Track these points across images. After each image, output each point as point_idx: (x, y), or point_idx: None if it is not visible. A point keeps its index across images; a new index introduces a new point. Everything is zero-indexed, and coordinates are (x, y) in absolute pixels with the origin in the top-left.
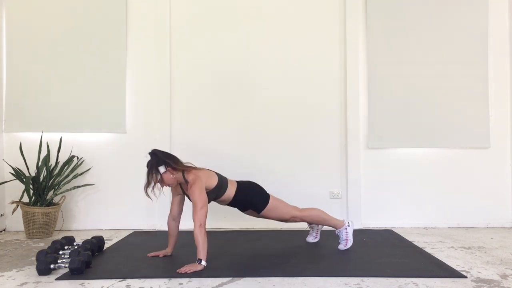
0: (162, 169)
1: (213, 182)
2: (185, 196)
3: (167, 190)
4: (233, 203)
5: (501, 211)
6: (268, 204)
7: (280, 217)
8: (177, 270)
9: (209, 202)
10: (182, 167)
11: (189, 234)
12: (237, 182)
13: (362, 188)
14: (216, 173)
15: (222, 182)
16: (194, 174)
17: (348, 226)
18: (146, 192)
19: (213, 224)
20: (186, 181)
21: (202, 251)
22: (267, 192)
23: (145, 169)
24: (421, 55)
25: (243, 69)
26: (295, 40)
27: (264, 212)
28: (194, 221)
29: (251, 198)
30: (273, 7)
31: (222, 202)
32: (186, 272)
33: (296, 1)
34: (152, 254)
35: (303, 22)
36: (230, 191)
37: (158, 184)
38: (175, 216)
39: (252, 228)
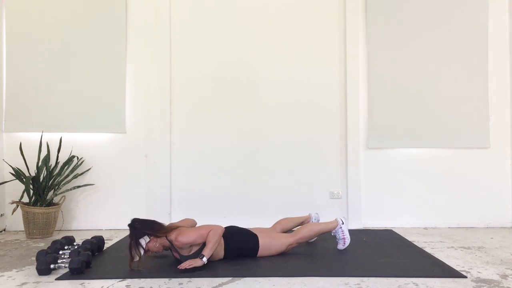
0: (145, 240)
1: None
2: (177, 254)
3: (166, 189)
4: (226, 256)
5: (501, 211)
6: (260, 248)
7: (276, 252)
8: (178, 267)
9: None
10: (164, 232)
11: None
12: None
13: (362, 188)
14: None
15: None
16: (176, 231)
17: (342, 224)
18: (131, 267)
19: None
20: (171, 243)
21: (209, 249)
22: (254, 232)
23: (145, 169)
24: (421, 55)
25: (243, 69)
26: (295, 40)
27: (260, 254)
28: (212, 229)
29: (241, 246)
30: (273, 7)
31: (215, 257)
32: (186, 268)
33: (296, 2)
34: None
35: (303, 22)
36: (219, 247)
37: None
38: None
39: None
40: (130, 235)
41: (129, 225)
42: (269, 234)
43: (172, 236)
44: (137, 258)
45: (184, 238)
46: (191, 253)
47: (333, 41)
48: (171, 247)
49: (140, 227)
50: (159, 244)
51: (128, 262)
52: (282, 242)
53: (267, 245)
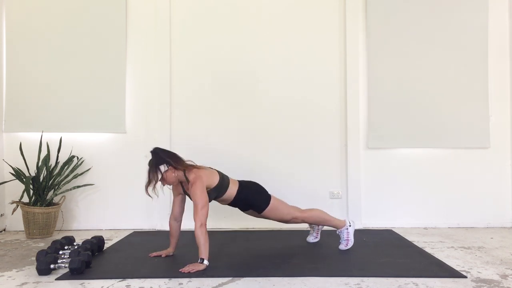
0: (163, 167)
1: (215, 180)
2: (186, 196)
3: (166, 189)
4: (234, 202)
5: (501, 211)
6: (269, 205)
7: (280, 218)
8: (180, 270)
9: (210, 201)
10: (183, 166)
11: (190, 234)
12: (239, 181)
13: (362, 188)
14: (218, 171)
15: (224, 181)
16: (195, 173)
17: (350, 226)
18: (146, 191)
19: (213, 224)
20: (188, 180)
21: (204, 251)
22: (269, 192)
23: (146, 169)
24: (421, 55)
25: (243, 69)
26: (295, 40)
27: (265, 212)
28: (195, 221)
29: (252, 198)
30: (273, 7)
31: (223, 202)
32: (189, 272)
33: (296, 2)
34: (154, 254)
35: (303, 22)
36: (232, 191)
37: (159, 183)
38: (176, 216)
39: (252, 228)
40: (151, 161)
41: (151, 151)
42: (281, 201)
43: (191, 177)
44: (153, 183)
45: (193, 189)
46: None
47: (333, 41)
48: (185, 183)
49: (162, 154)
50: (175, 176)
51: (145, 186)
52: (289, 211)
53: (276, 206)
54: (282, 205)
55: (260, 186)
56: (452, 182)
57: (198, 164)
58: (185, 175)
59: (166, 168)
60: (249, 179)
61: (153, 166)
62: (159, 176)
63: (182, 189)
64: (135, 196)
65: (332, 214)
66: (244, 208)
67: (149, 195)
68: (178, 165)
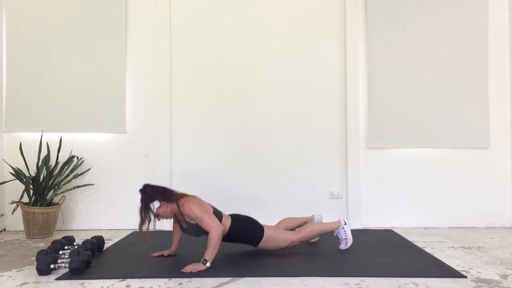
0: (155, 204)
1: (209, 208)
2: (182, 226)
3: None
4: (228, 238)
5: (501, 211)
6: (264, 237)
7: (278, 246)
8: (181, 270)
9: (200, 235)
10: (175, 198)
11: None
12: (231, 216)
13: (362, 188)
14: (211, 205)
15: (217, 213)
16: (185, 198)
17: (345, 224)
18: (140, 231)
19: None
20: (179, 208)
21: (211, 253)
22: (260, 224)
23: (145, 169)
24: (421, 55)
25: (244, 69)
26: (295, 41)
27: (261, 244)
28: (211, 230)
29: (246, 233)
30: (273, 7)
31: None
32: (191, 272)
33: (296, 2)
34: (157, 254)
35: (303, 22)
36: (225, 226)
37: (153, 219)
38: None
39: None
40: (141, 200)
41: (140, 190)
42: (274, 229)
43: (181, 203)
44: (147, 223)
45: (188, 209)
46: (197, 222)
47: (333, 41)
48: (179, 214)
49: (151, 193)
50: (169, 210)
51: (138, 227)
52: (285, 237)
53: (271, 237)
54: (276, 234)
55: (252, 219)
56: (452, 182)
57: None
58: (177, 206)
59: (159, 205)
60: (249, 179)
61: (144, 206)
62: (152, 217)
63: (180, 227)
64: (135, 196)
65: (332, 214)
66: (239, 243)
67: (144, 235)
68: (170, 200)
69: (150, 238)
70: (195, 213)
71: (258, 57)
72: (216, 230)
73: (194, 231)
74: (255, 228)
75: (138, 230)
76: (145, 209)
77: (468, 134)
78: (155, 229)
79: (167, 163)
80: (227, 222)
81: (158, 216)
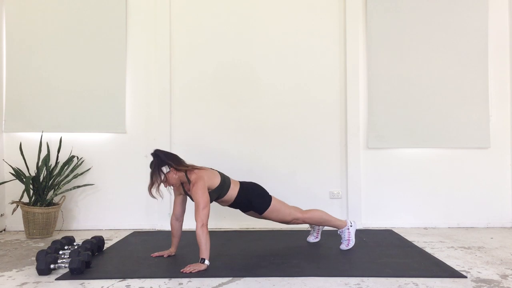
0: (165, 169)
1: (216, 181)
2: (187, 196)
3: (165, 190)
4: (234, 204)
5: (501, 211)
6: (270, 206)
7: (281, 219)
8: (181, 270)
9: (211, 202)
10: (184, 167)
11: (192, 234)
12: (240, 182)
13: (362, 188)
14: (219, 172)
15: (225, 182)
16: (196, 174)
17: (351, 226)
18: (150, 192)
19: (213, 224)
20: (189, 181)
21: (205, 251)
22: (270, 193)
23: (145, 169)
24: (421, 55)
25: (244, 69)
26: (295, 41)
27: (266, 213)
28: (196, 220)
29: (253, 199)
30: (273, 7)
31: (223, 203)
32: (191, 272)
33: (297, 3)
34: (156, 254)
35: (303, 23)
36: (233, 192)
37: (162, 185)
38: (178, 216)
39: (252, 228)
40: (152, 163)
41: (152, 153)
42: (282, 202)
43: (192, 177)
44: (156, 184)
45: (194, 191)
46: None
47: (333, 41)
48: (187, 184)
49: (163, 156)
50: (177, 177)
51: (148, 188)
52: (290, 212)
53: (277, 208)
54: (283, 206)
55: (261, 187)
56: (452, 182)
57: (199, 165)
58: (186, 176)
59: (168, 170)
60: (249, 179)
61: (155, 168)
62: (162, 178)
63: (183, 190)
64: (135, 196)
65: (332, 214)
66: (245, 209)
67: (153, 197)
68: (180, 166)
69: (151, 236)
70: (196, 197)
71: (258, 57)
72: (198, 227)
73: None
74: (263, 196)
75: (148, 192)
76: (155, 172)
77: (468, 134)
78: (161, 197)
79: None
80: (235, 188)
81: (166, 181)
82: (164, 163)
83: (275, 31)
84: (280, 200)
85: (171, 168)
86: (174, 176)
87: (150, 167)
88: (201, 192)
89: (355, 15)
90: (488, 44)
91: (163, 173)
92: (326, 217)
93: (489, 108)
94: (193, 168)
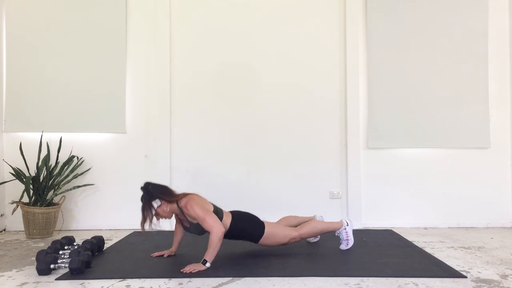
0: (156, 203)
1: (209, 206)
2: (186, 231)
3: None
4: (228, 235)
5: (501, 211)
6: (264, 233)
7: (279, 243)
8: (181, 270)
9: (203, 233)
10: (175, 198)
11: (192, 234)
12: (231, 213)
13: (362, 188)
14: (212, 203)
15: (218, 212)
16: (186, 198)
17: (347, 225)
18: (143, 227)
19: None
20: (181, 209)
21: (211, 254)
22: (261, 220)
23: (145, 169)
24: (421, 54)
25: (244, 70)
26: (295, 41)
27: (262, 241)
28: (212, 231)
29: (246, 229)
30: (273, 8)
31: None
32: (191, 272)
33: (297, 3)
34: (156, 254)
35: (303, 22)
36: (225, 223)
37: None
38: (181, 231)
39: None
40: (143, 198)
41: (142, 187)
42: (275, 225)
43: (182, 203)
44: (148, 220)
45: (190, 209)
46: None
47: (333, 41)
48: (181, 214)
49: (152, 191)
50: (169, 210)
51: (140, 224)
52: (286, 233)
53: (272, 233)
54: (277, 230)
55: (252, 215)
56: (452, 182)
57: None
58: (178, 206)
59: (159, 203)
60: (249, 179)
61: (146, 203)
62: (153, 212)
63: (182, 225)
64: (135, 196)
65: (332, 214)
66: (240, 239)
67: (146, 230)
68: (171, 198)
69: (151, 236)
70: (197, 213)
71: (258, 57)
72: (217, 231)
73: (197, 230)
74: (255, 225)
75: (140, 229)
76: (146, 207)
77: (468, 134)
78: (156, 228)
79: (167, 163)
80: (228, 220)
81: (158, 215)
82: (154, 197)
83: (275, 32)
84: (273, 223)
85: (162, 202)
86: (166, 209)
87: (141, 201)
88: (196, 207)
89: (355, 15)
90: (488, 44)
91: (154, 208)
92: (321, 226)
93: (489, 108)
94: (184, 195)
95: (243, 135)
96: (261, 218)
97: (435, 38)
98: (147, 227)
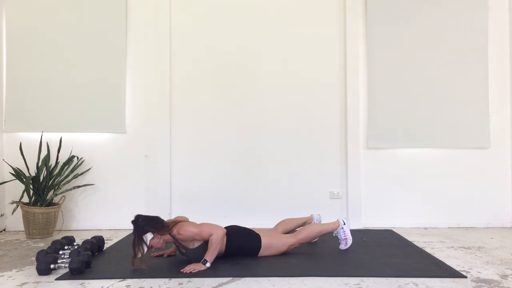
0: (148, 236)
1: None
2: (186, 256)
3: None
4: (227, 252)
5: (501, 211)
6: (262, 246)
7: (278, 251)
8: (181, 270)
9: (202, 256)
10: (167, 229)
11: None
12: (226, 228)
13: (362, 188)
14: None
15: None
16: (176, 226)
17: (344, 224)
18: (133, 264)
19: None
20: (174, 237)
21: (211, 254)
22: (256, 232)
23: (145, 169)
24: (421, 55)
25: (244, 70)
26: (295, 41)
27: (261, 252)
28: (213, 233)
29: (243, 246)
30: (273, 8)
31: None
32: (191, 272)
33: (297, 3)
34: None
35: (303, 22)
36: (222, 243)
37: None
38: None
39: (252, 228)
40: (134, 232)
41: (132, 221)
42: (271, 234)
43: (174, 231)
44: (140, 255)
45: (185, 232)
46: (195, 246)
47: (333, 41)
48: (175, 242)
49: (144, 224)
50: (162, 241)
51: (131, 260)
52: (283, 242)
53: (269, 244)
54: (273, 239)
55: (247, 229)
56: (452, 182)
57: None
58: (171, 235)
59: (152, 236)
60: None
61: (137, 238)
62: (145, 249)
63: (179, 251)
64: (135, 196)
65: (332, 214)
66: (239, 253)
67: (139, 267)
68: (162, 231)
69: (147, 265)
70: (192, 231)
71: (259, 58)
72: (217, 232)
73: (193, 254)
74: (251, 239)
75: (131, 265)
76: (138, 242)
77: (468, 134)
78: (148, 264)
79: (167, 163)
80: (224, 238)
81: (151, 247)
82: (145, 231)
83: (275, 32)
84: (269, 233)
85: (155, 234)
86: (159, 241)
87: (133, 234)
88: (188, 227)
89: (355, 15)
90: (488, 44)
91: (146, 243)
92: (319, 229)
93: (489, 108)
94: (175, 223)
95: (243, 136)
96: (261, 218)
97: (435, 38)
98: (137, 263)
